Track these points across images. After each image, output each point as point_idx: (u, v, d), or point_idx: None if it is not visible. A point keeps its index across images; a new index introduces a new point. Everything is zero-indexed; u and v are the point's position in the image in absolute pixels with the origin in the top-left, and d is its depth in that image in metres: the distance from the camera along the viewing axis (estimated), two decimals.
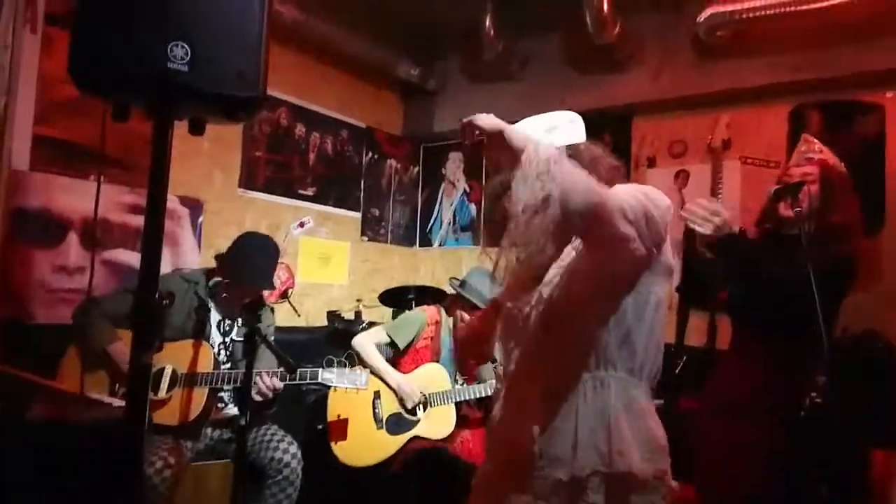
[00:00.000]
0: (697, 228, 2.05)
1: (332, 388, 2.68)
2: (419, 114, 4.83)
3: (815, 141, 2.16)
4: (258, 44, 1.31)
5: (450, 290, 3.21)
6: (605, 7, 3.37)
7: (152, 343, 1.28)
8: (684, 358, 3.21)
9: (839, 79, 3.22)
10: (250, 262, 2.54)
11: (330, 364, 2.61)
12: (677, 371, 3.22)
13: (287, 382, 2.46)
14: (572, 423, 1.23)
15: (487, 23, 3.82)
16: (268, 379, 2.41)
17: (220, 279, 2.57)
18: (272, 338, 2.64)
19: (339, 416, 2.82)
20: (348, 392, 2.62)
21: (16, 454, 1.92)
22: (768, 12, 3.12)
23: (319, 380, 2.50)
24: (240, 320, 2.59)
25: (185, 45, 1.20)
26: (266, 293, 3.72)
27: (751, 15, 3.19)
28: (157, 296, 1.30)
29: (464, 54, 4.43)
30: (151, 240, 1.31)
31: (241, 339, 2.44)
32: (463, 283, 3.01)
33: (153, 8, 1.20)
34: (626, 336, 1.25)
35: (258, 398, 2.39)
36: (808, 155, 2.12)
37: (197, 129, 1.40)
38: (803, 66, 3.28)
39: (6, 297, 2.75)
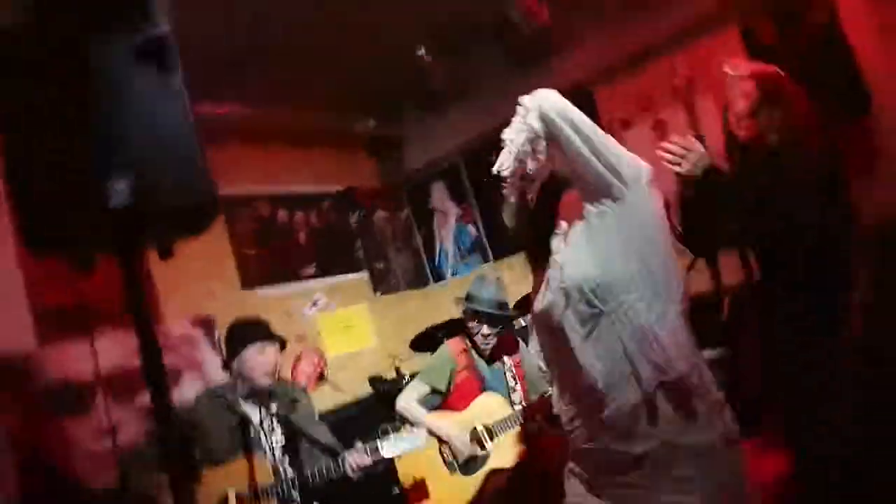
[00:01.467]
0: (676, 168, 2.02)
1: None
2: (391, 160, 4.84)
3: (737, 62, 2.17)
4: (195, 148, 1.29)
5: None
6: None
7: (189, 476, 1.25)
8: (727, 300, 3.13)
9: None
10: (239, 334, 2.55)
11: (385, 433, 2.55)
12: (726, 315, 3.13)
13: (372, 458, 2.43)
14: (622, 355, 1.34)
15: (422, 53, 3.84)
16: (356, 457, 2.40)
17: (240, 380, 2.53)
18: (315, 417, 2.61)
19: (413, 478, 2.76)
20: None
21: None
22: None
23: (382, 453, 2.45)
24: (272, 409, 2.53)
25: (123, 180, 1.18)
26: (302, 379, 3.70)
27: None
28: (178, 429, 1.26)
29: (413, 93, 4.45)
30: (153, 374, 1.28)
31: (281, 439, 2.39)
32: (467, 297, 2.96)
33: (82, 153, 1.19)
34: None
35: (353, 476, 2.40)
36: (737, 73, 2.12)
37: (164, 254, 1.38)
38: None
39: (58, 473, 2.73)
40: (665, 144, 2.05)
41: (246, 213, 3.88)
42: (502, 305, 2.94)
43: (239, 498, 2.30)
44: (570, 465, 1.52)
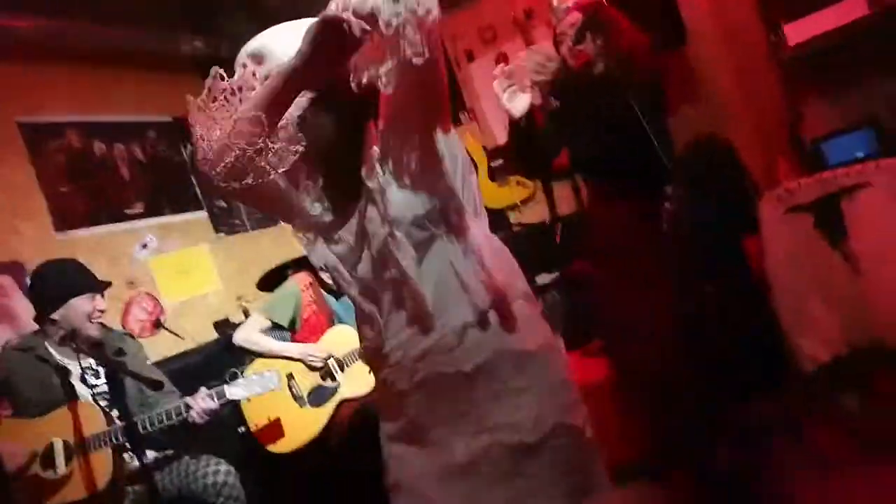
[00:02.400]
0: (534, 77, 2.08)
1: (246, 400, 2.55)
2: None
3: None
4: None
5: None
6: None
7: None
8: (560, 226, 3.33)
9: None
10: (63, 282, 2.35)
11: (234, 376, 2.47)
12: (558, 240, 3.34)
13: (221, 402, 2.32)
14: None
15: None
16: (200, 402, 2.27)
17: (61, 329, 2.33)
18: (147, 363, 2.48)
19: (268, 418, 2.71)
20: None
21: None
22: None
23: (228, 397, 2.36)
24: (94, 362, 2.37)
25: None
26: (135, 328, 3.44)
27: None
28: None
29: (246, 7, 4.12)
30: None
31: (104, 381, 2.23)
32: None
33: None
34: None
35: (200, 421, 2.27)
36: (562, 7, 2.22)
37: None
38: None
39: None
40: (522, 56, 2.10)
41: (55, 144, 3.43)
42: None
43: (67, 447, 2.16)
44: (385, 426, 1.37)
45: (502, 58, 3.98)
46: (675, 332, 2.14)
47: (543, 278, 3.53)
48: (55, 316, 2.32)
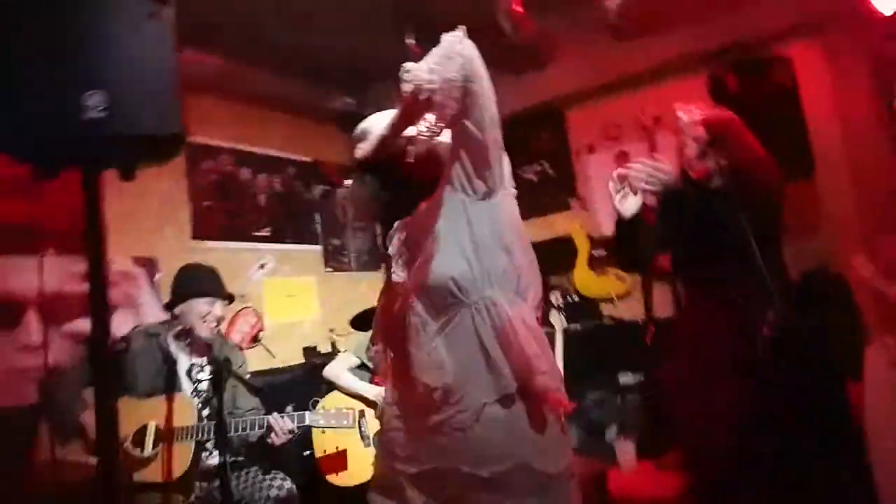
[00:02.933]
0: (645, 186, 2.13)
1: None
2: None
3: (690, 107, 2.27)
4: (171, 80, 1.35)
5: None
6: (518, 8, 3.49)
7: (111, 388, 1.30)
8: (653, 328, 3.29)
9: (748, 40, 3.38)
10: (192, 282, 2.59)
11: (315, 405, 2.62)
12: (649, 341, 3.30)
13: (300, 425, 2.46)
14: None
15: (412, 41, 3.91)
16: (280, 422, 2.42)
17: (179, 325, 2.57)
18: (247, 375, 2.65)
19: (336, 448, 2.84)
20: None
21: None
22: None
23: (307, 423, 2.51)
24: (204, 360, 2.59)
25: (100, 93, 1.23)
26: (235, 338, 3.72)
27: None
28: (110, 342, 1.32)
29: (392, 77, 4.51)
30: (97, 287, 1.33)
31: (208, 377, 2.44)
32: None
33: (62, 60, 1.24)
34: None
35: (277, 440, 2.41)
36: (689, 118, 2.24)
37: (127, 174, 1.43)
38: (711, 32, 3.44)
39: None
40: (635, 166, 2.16)
41: (209, 164, 3.88)
42: None
43: (158, 432, 2.35)
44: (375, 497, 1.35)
45: (622, 156, 4.07)
46: (759, 468, 2.05)
47: (626, 378, 3.47)
48: (176, 311, 2.58)
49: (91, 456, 2.26)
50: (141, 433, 2.34)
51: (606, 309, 4.07)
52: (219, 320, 2.61)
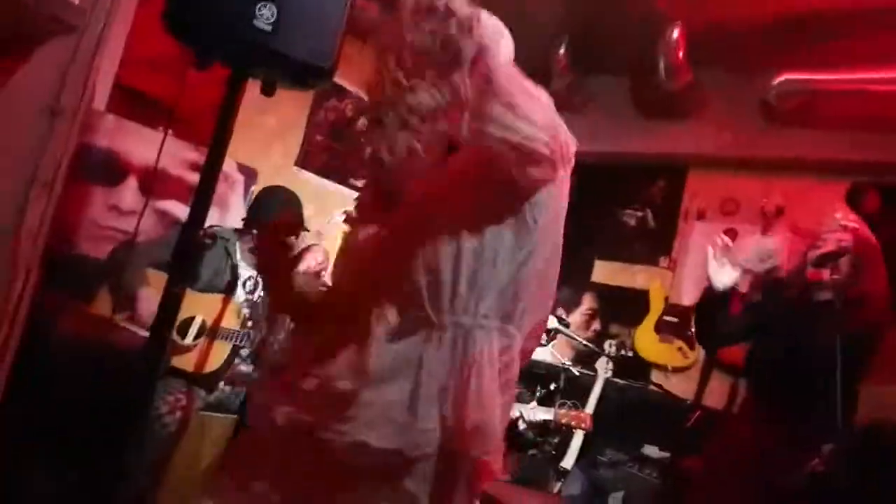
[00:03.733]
0: (750, 266, 2.06)
1: None
2: None
3: (851, 211, 2.18)
4: (338, 19, 1.40)
5: None
6: (680, 55, 3.40)
7: (187, 274, 1.37)
8: (699, 413, 3.17)
9: None
10: (276, 206, 2.69)
11: None
12: (689, 424, 3.19)
13: None
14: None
15: (561, 53, 3.88)
16: None
17: (249, 234, 2.67)
18: None
19: None
20: None
21: (45, 365, 2.01)
22: (841, 87, 3.11)
23: None
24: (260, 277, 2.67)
25: (273, 7, 1.29)
26: (301, 270, 3.83)
27: (823, 87, 3.18)
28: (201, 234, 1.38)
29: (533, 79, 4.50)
30: (208, 180, 1.40)
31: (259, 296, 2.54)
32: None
33: None
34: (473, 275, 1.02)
35: None
36: (844, 223, 2.13)
37: (269, 89, 1.50)
38: (866, 145, 3.25)
39: (58, 228, 2.89)
40: (746, 243, 2.09)
41: (333, 103, 3.99)
42: None
43: (202, 326, 2.46)
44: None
45: (731, 232, 3.93)
46: None
47: (651, 451, 3.36)
48: (253, 229, 2.67)
49: (139, 328, 2.39)
50: (186, 323, 2.43)
51: (657, 377, 3.95)
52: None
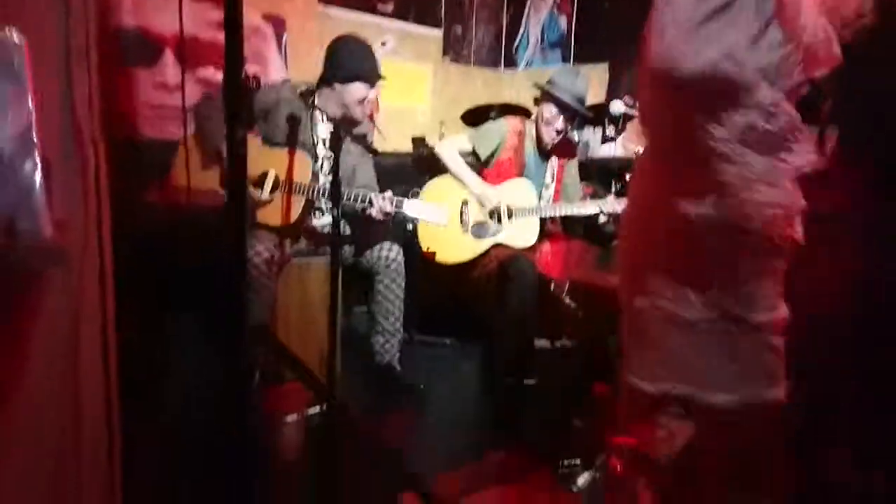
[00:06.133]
0: None
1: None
2: None
3: None
4: None
5: (534, 107, 3.10)
6: None
7: (242, 120, 1.37)
8: None
9: None
10: (355, 63, 2.55)
11: (416, 195, 2.73)
12: None
13: (397, 209, 2.53)
14: None
15: None
16: (380, 202, 2.50)
17: (329, 93, 2.59)
18: (370, 154, 2.75)
19: (427, 248, 2.98)
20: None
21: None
22: None
23: (403, 209, 2.54)
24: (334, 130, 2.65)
25: None
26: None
27: None
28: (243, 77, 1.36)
29: None
30: (232, 27, 1.35)
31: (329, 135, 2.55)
32: (549, 81, 2.92)
33: None
34: None
35: (377, 217, 2.52)
36: None
37: None
38: None
39: (116, 117, 2.94)
40: None
41: None
42: (582, 101, 2.92)
43: (276, 180, 2.52)
44: None
45: None
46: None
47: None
48: (336, 86, 2.57)
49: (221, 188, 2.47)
50: (261, 178, 2.50)
51: None
52: (372, 104, 2.63)
